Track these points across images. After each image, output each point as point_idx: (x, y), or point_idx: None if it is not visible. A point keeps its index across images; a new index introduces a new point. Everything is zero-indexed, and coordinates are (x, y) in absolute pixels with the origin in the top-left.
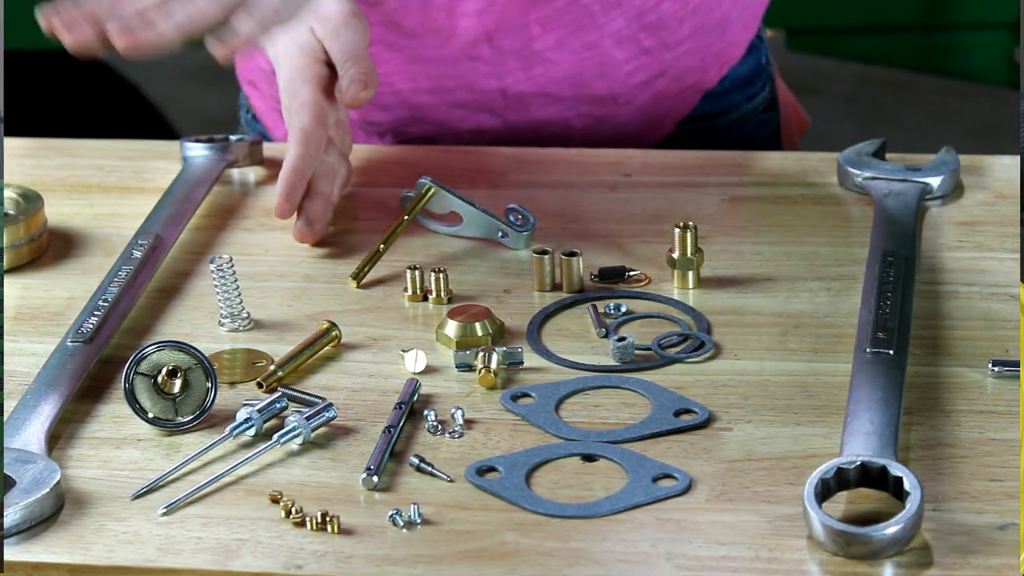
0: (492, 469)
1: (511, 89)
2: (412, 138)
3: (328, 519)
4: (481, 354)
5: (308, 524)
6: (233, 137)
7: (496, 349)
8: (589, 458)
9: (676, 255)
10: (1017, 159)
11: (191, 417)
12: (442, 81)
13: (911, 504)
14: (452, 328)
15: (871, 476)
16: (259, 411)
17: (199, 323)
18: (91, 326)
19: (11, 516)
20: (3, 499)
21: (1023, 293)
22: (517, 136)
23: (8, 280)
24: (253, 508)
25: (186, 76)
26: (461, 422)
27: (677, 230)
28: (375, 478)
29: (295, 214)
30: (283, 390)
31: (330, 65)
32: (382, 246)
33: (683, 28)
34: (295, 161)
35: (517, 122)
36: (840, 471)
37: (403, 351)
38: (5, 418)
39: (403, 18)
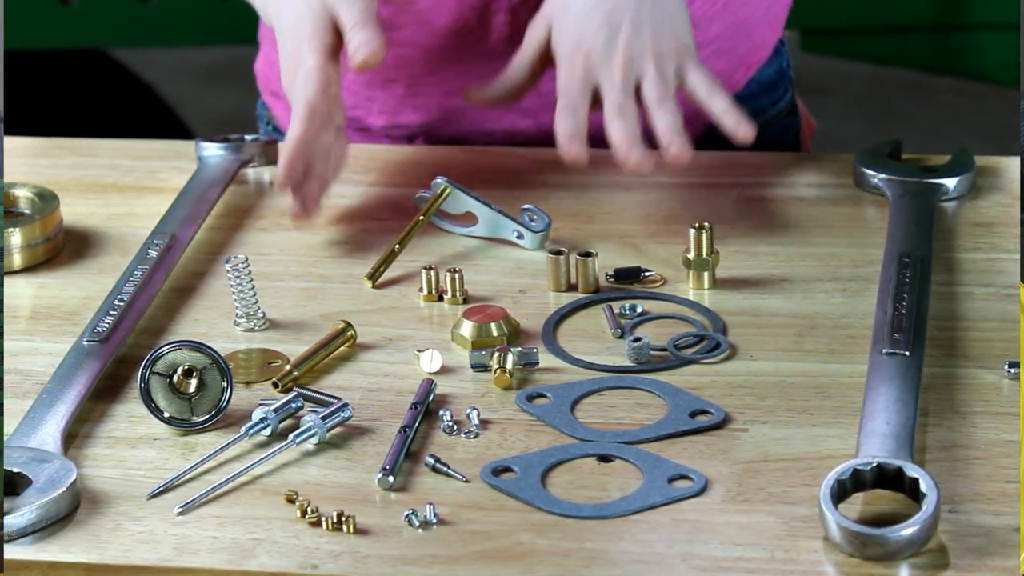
0: (507, 469)
1: (545, 88)
2: (442, 140)
3: (344, 519)
4: (496, 354)
5: (324, 524)
6: (248, 137)
7: (511, 349)
8: (605, 459)
9: (692, 256)
10: None
11: (207, 417)
12: (474, 81)
13: (927, 505)
14: (467, 328)
15: (887, 477)
16: (275, 411)
17: (214, 323)
18: (107, 326)
19: (27, 515)
20: (3, 499)
21: (1023, 293)
22: (549, 139)
23: (24, 279)
24: (269, 508)
25: (199, 76)
26: (476, 422)
27: (692, 231)
28: (391, 478)
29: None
30: (298, 390)
31: (337, 33)
32: (397, 246)
33: (712, 28)
34: (299, 134)
35: (549, 124)
36: (856, 472)
37: (418, 351)
38: (22, 418)
39: (436, 17)
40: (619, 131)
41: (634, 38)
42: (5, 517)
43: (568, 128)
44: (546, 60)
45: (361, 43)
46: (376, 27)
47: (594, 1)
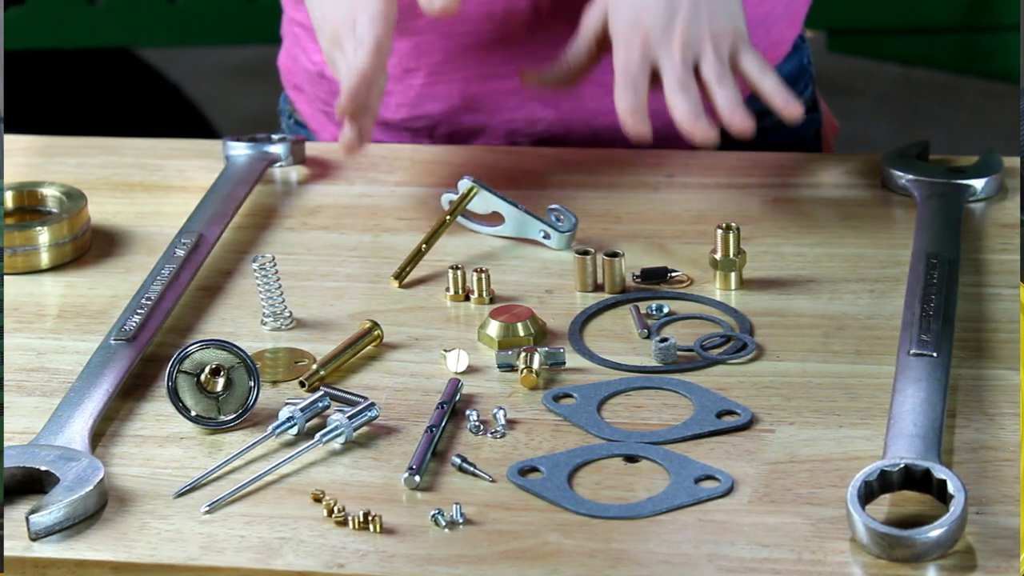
0: (534, 469)
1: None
2: (463, 128)
3: (370, 518)
4: (523, 354)
5: (350, 523)
6: (275, 136)
7: (538, 349)
8: (631, 459)
9: (718, 256)
10: None
11: (233, 416)
12: (496, 67)
13: (955, 507)
14: (494, 328)
15: (915, 478)
16: (301, 410)
17: (242, 322)
18: (134, 324)
19: (54, 513)
20: (2, 499)
21: (1023, 293)
22: (570, 127)
23: (52, 278)
24: (295, 507)
25: (226, 76)
26: (503, 422)
27: (719, 231)
28: (417, 478)
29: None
30: (325, 389)
31: None
32: (424, 246)
33: None
34: (367, 66)
35: (570, 112)
36: (884, 473)
37: (445, 351)
38: (49, 416)
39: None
40: (682, 105)
41: (692, 20)
42: (32, 516)
43: (629, 103)
44: (603, 45)
45: None
46: None
47: None
